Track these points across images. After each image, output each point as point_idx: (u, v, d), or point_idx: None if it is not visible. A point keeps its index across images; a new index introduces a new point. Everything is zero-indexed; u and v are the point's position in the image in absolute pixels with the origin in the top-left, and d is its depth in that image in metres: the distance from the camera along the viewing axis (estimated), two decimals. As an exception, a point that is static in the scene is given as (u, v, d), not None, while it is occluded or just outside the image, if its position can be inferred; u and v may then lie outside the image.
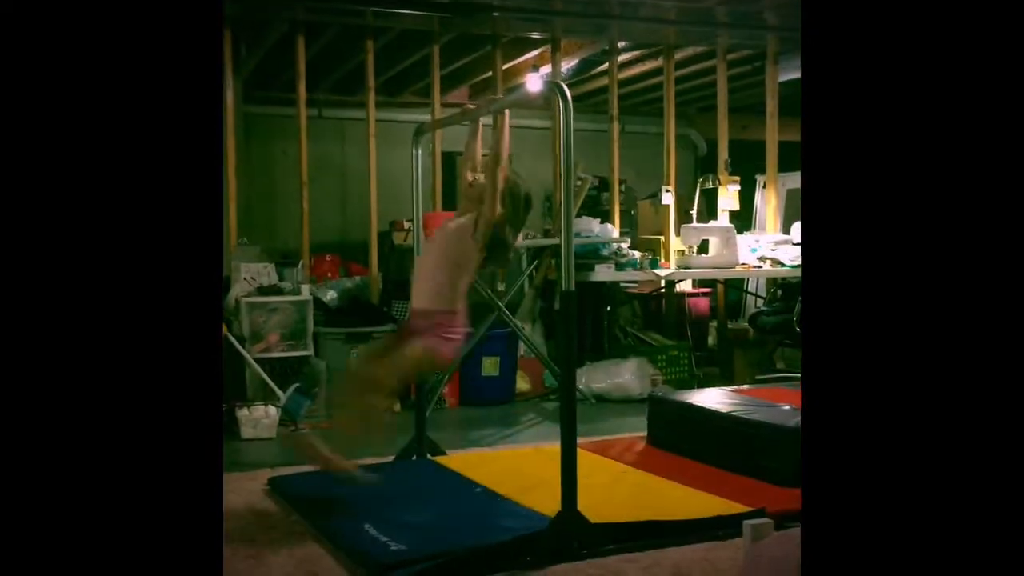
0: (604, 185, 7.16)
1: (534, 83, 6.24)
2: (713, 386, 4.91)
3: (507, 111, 3.19)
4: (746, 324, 6.71)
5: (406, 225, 6.11)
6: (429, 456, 3.78)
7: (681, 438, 3.81)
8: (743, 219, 7.19)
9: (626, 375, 5.42)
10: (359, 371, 3.10)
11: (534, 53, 6.39)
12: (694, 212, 6.45)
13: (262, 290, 5.09)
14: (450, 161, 6.28)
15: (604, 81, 6.79)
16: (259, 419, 4.46)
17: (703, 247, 5.93)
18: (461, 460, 3.75)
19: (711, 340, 6.95)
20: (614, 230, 5.97)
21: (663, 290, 6.68)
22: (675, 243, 6.15)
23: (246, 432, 4.42)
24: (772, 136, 6.48)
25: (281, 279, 5.29)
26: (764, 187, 6.93)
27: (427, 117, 6.14)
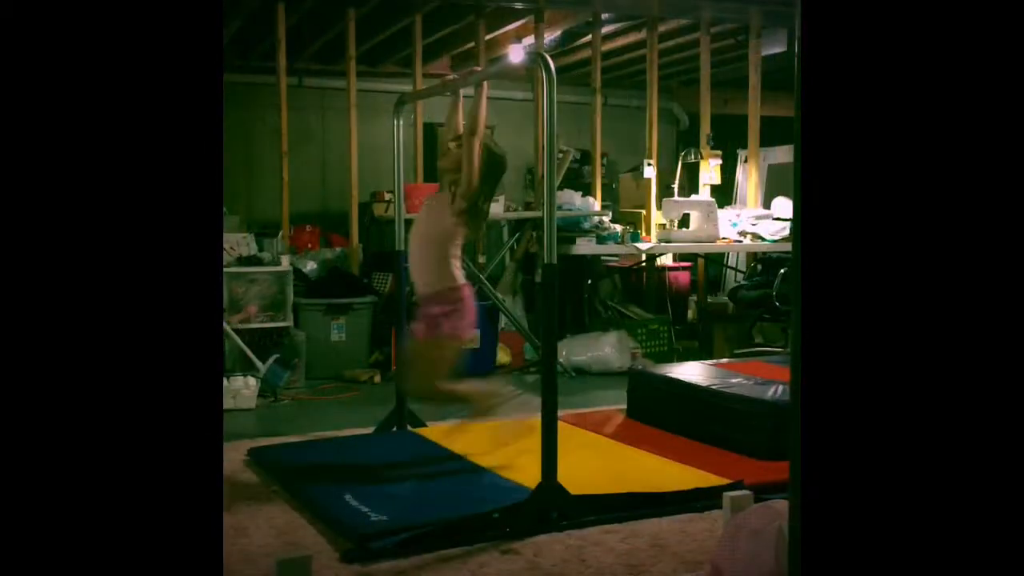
0: (586, 158, 7.15)
1: (517, 54, 6.20)
2: (692, 360, 4.93)
3: (486, 83, 3.17)
4: (726, 298, 6.75)
5: (387, 196, 6.09)
6: (409, 428, 3.79)
7: (660, 411, 3.83)
8: (724, 194, 7.20)
9: (606, 348, 5.44)
10: (416, 390, 3.20)
11: (517, 24, 6.34)
12: (675, 186, 6.46)
13: (241, 260, 5.06)
14: (431, 132, 6.25)
15: (587, 53, 6.76)
16: (238, 390, 4.45)
17: (684, 221, 5.94)
18: (441, 432, 3.75)
19: (691, 314, 6.99)
20: (595, 203, 5.97)
21: (644, 264, 6.69)
22: (656, 217, 6.16)
23: (226, 403, 4.41)
24: (754, 111, 6.48)
25: (260, 249, 5.26)
26: (746, 162, 6.94)
27: (408, 87, 6.09)
